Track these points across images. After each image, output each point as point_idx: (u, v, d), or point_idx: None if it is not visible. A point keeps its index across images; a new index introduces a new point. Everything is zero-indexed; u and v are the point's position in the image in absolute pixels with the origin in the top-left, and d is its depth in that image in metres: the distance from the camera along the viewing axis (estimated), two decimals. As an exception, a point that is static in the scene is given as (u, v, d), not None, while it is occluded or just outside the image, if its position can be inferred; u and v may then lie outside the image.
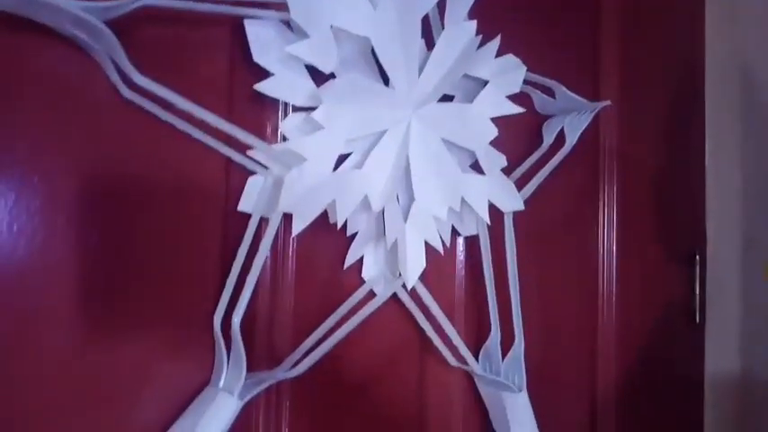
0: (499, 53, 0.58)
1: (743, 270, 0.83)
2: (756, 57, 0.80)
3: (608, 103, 0.66)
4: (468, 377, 0.63)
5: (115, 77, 0.45)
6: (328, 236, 0.56)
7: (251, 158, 0.51)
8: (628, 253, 0.75)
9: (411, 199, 0.55)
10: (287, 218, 0.53)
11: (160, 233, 0.50)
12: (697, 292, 0.82)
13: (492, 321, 0.61)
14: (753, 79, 0.80)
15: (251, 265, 0.50)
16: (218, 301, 0.50)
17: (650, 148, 0.79)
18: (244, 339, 0.49)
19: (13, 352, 0.44)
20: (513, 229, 0.61)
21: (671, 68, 0.81)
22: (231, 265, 0.50)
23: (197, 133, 0.49)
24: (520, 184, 0.63)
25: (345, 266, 0.57)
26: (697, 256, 0.83)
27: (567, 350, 0.70)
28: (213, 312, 0.50)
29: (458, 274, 0.64)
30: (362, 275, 0.57)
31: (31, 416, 0.45)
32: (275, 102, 0.53)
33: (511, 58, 0.58)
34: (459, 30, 0.53)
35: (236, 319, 0.48)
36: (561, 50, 0.71)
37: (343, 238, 0.56)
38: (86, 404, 0.46)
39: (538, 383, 0.62)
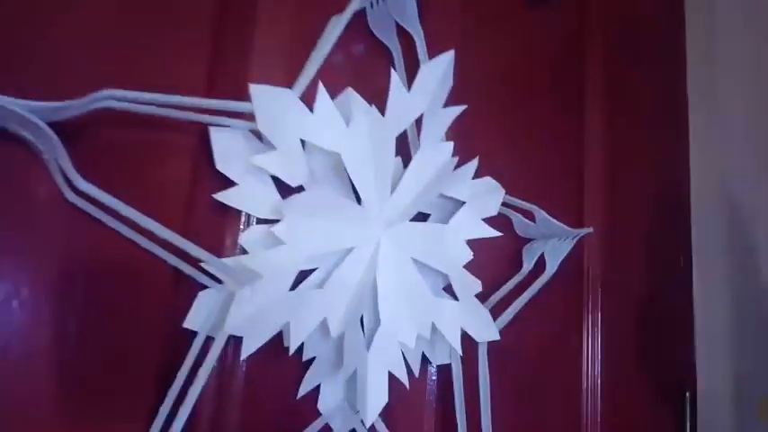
0: (479, 173, 0.56)
1: (735, 408, 0.76)
2: (741, 184, 0.79)
3: (590, 230, 0.63)
4: None
5: (60, 179, 0.42)
6: (282, 359, 0.50)
7: (203, 271, 0.47)
8: (613, 390, 0.69)
9: (377, 322, 0.50)
10: (237, 337, 0.48)
11: (94, 345, 0.45)
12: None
13: (462, 465, 0.55)
14: (739, 207, 0.79)
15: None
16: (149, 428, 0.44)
17: (636, 278, 0.75)
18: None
19: None
20: (487, 361, 0.56)
21: (656, 196, 0.80)
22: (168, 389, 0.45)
23: (145, 242, 0.45)
24: (497, 312, 0.58)
25: (299, 396, 0.51)
26: (687, 394, 0.77)
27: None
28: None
29: (428, 406, 0.58)
30: (318, 407, 0.52)
31: None
32: (237, 213, 0.50)
33: (489, 181, 0.56)
34: (435, 151, 0.51)
35: (166, 453, 0.42)
36: (545, 175, 0.69)
37: (299, 363, 0.51)
38: None
39: None
